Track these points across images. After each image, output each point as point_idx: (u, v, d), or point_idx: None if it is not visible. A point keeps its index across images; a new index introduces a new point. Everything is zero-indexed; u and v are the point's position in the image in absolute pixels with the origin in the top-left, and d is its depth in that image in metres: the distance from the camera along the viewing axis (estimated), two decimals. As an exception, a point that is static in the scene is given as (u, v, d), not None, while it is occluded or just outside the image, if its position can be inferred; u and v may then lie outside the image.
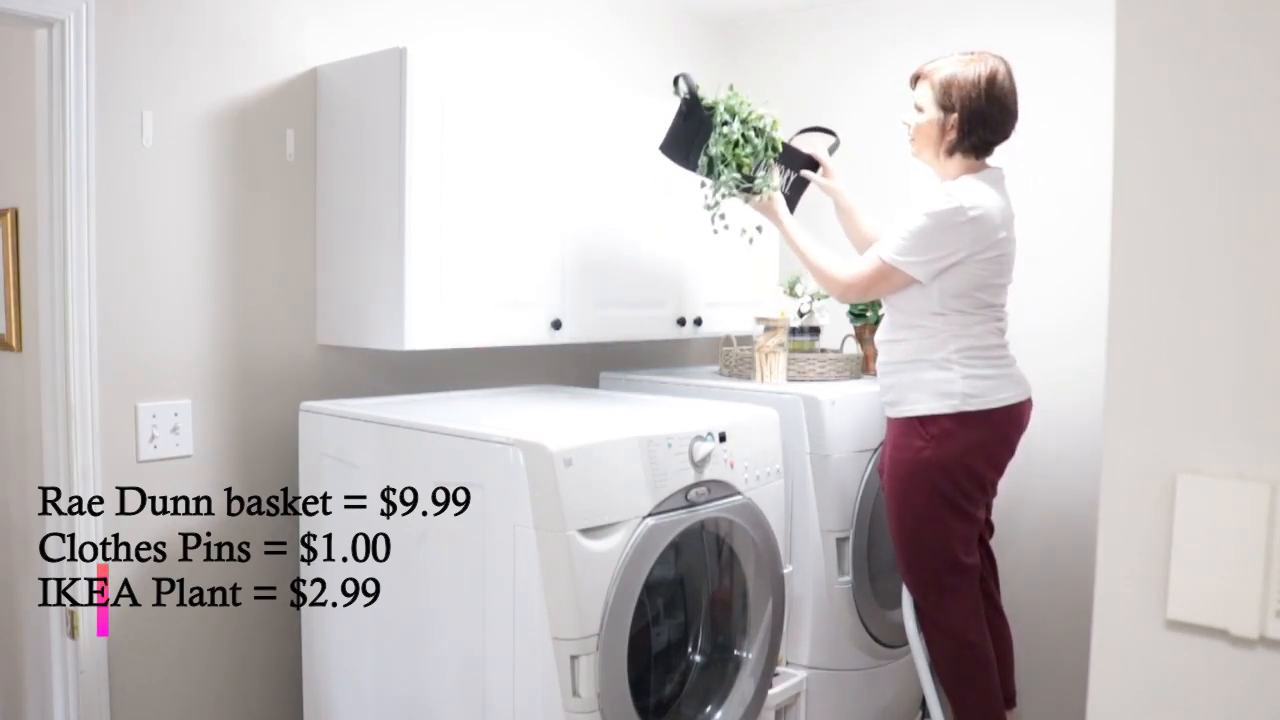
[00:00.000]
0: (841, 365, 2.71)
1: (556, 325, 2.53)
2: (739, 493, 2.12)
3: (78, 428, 2.10)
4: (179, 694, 2.29)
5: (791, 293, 2.89)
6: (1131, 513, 0.84)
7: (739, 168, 2.30)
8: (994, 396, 2.24)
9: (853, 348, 2.99)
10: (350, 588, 2.15)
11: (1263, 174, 0.78)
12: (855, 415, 2.52)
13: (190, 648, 2.31)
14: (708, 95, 2.29)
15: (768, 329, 2.69)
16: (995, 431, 2.26)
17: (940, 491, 2.24)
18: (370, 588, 2.10)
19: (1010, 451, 2.32)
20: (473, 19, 2.73)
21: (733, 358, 2.86)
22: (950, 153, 2.28)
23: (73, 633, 2.15)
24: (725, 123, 2.29)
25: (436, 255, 2.27)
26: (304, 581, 2.27)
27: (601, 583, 1.81)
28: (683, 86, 2.29)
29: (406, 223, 2.22)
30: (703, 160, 2.32)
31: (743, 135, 2.29)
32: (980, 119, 2.23)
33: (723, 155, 2.28)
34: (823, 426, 2.43)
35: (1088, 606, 0.88)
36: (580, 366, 3.01)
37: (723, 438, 2.09)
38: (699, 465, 2.01)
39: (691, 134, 2.31)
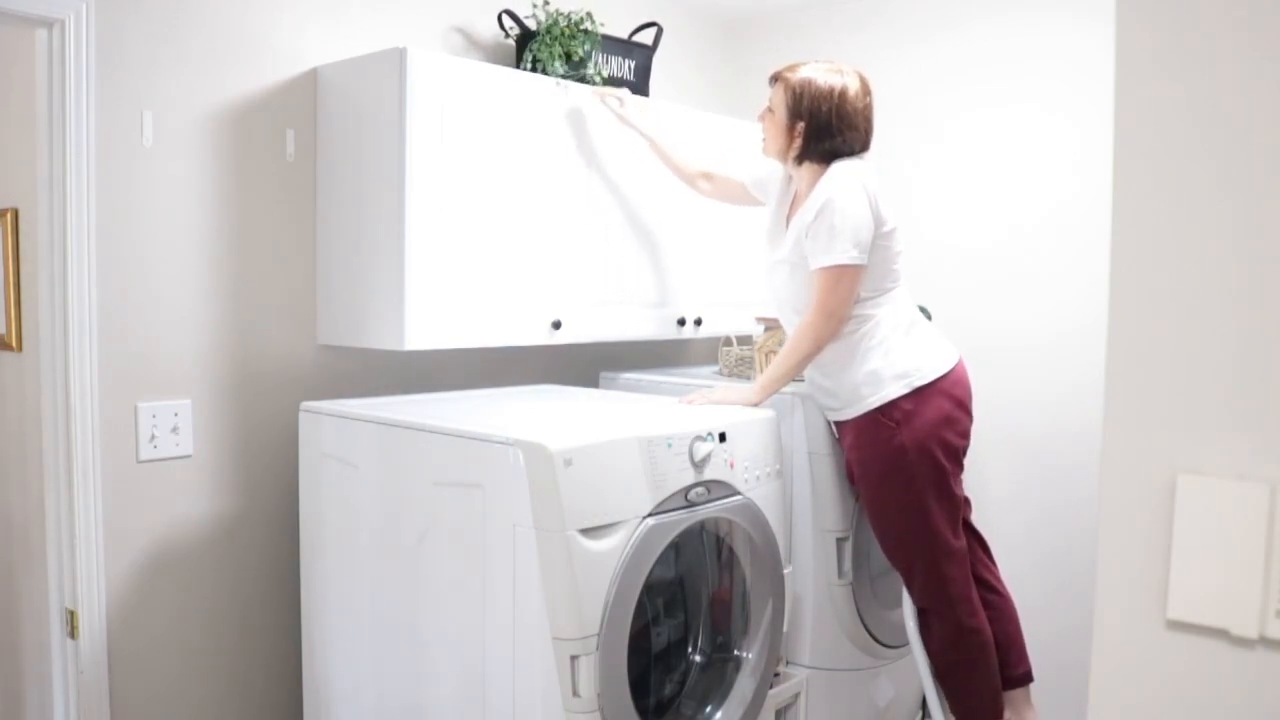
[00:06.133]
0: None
1: (556, 325, 2.53)
2: (739, 493, 2.12)
3: (78, 428, 2.10)
4: (179, 695, 2.29)
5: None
6: (1131, 513, 0.84)
7: (567, 57, 2.63)
8: (937, 363, 2.27)
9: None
10: (350, 588, 2.15)
11: (1263, 173, 0.78)
12: (855, 415, 2.51)
13: (190, 648, 2.31)
14: (530, 22, 2.69)
15: (768, 329, 2.68)
16: (949, 397, 2.27)
17: (920, 475, 2.24)
18: (370, 587, 2.10)
19: (969, 414, 2.33)
20: (472, 18, 2.73)
21: (733, 358, 2.86)
22: (799, 161, 2.31)
23: (73, 633, 2.15)
24: (547, 32, 2.63)
25: (436, 255, 2.27)
26: (304, 581, 2.27)
27: (601, 583, 1.81)
28: (508, 21, 2.69)
29: (406, 223, 2.22)
30: (528, 56, 2.63)
31: (563, 31, 2.63)
32: (826, 131, 2.25)
33: (542, 49, 2.61)
34: (822, 426, 2.43)
35: (1088, 607, 0.88)
36: (580, 366, 3.01)
37: (723, 438, 2.09)
38: (699, 465, 2.01)
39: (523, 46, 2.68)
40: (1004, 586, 2.50)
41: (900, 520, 2.29)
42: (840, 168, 2.25)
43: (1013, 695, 2.43)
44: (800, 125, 2.27)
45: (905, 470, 2.24)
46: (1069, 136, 2.83)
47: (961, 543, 2.33)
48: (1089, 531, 2.77)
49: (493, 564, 1.85)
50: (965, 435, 2.33)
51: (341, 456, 2.15)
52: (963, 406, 2.31)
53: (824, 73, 2.28)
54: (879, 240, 2.22)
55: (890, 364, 2.24)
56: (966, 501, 2.46)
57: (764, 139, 2.39)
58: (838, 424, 2.38)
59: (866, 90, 2.30)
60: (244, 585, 2.39)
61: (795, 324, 2.33)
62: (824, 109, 2.25)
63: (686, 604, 2.26)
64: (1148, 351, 0.83)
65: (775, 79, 2.34)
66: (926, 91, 3.09)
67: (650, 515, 1.91)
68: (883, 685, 2.64)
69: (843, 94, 2.25)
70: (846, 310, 2.23)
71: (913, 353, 2.26)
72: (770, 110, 2.35)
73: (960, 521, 2.35)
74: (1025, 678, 2.44)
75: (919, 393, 2.23)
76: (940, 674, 2.38)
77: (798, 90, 2.27)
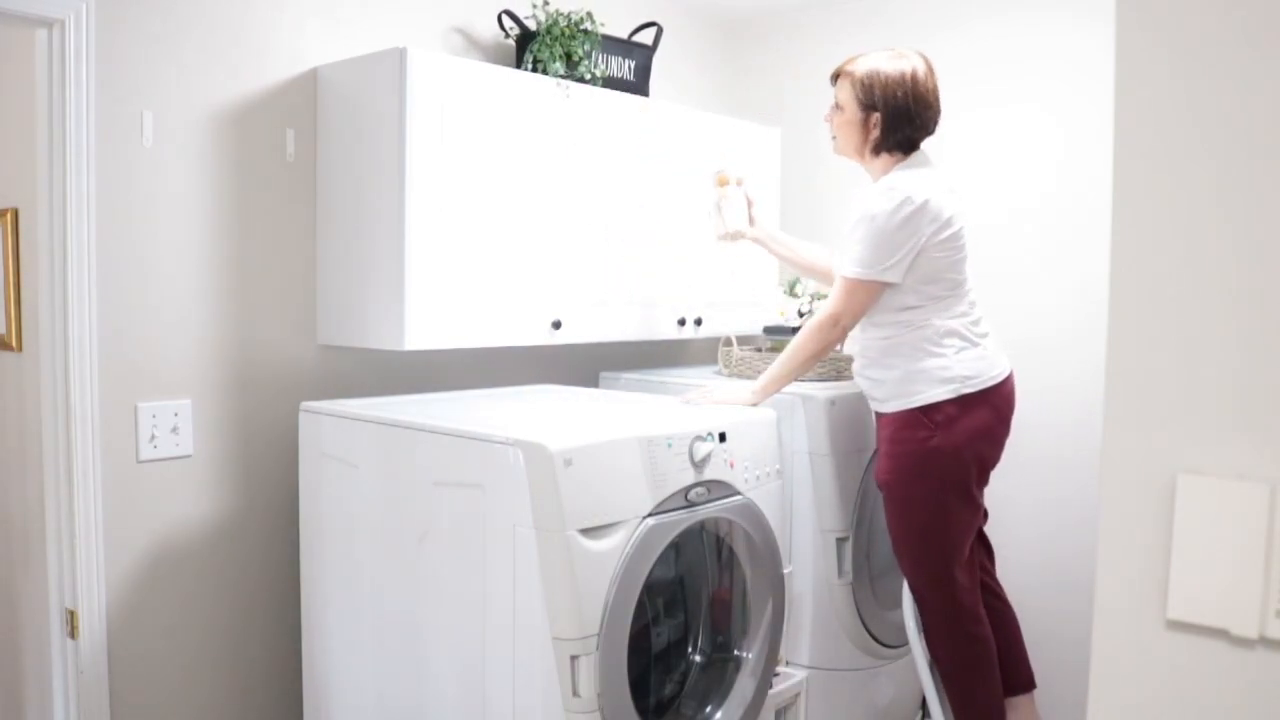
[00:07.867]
0: (841, 365, 2.71)
1: (556, 325, 2.53)
2: (739, 493, 2.12)
3: (78, 428, 2.09)
4: (179, 694, 2.29)
5: (792, 293, 2.89)
6: (1131, 513, 0.84)
7: (567, 57, 2.63)
8: (990, 374, 2.25)
9: (852, 347, 2.98)
10: (350, 588, 2.15)
11: (1263, 172, 0.78)
12: (854, 415, 2.51)
13: (190, 648, 2.31)
14: (530, 23, 2.69)
15: (720, 183, 2.64)
16: (994, 411, 2.26)
17: (949, 480, 2.23)
18: (370, 588, 2.10)
19: (1008, 429, 2.32)
20: (472, 18, 2.73)
21: (733, 358, 2.86)
22: (876, 152, 2.28)
23: (73, 633, 2.15)
24: (547, 32, 2.63)
25: (436, 255, 2.27)
26: (304, 581, 2.27)
27: (601, 583, 1.81)
28: (508, 21, 2.69)
29: (406, 223, 2.22)
30: (529, 58, 2.62)
31: (563, 31, 2.63)
32: (905, 117, 2.22)
33: (543, 49, 2.62)
34: (822, 426, 2.43)
35: (1088, 607, 0.88)
36: (580, 366, 3.01)
37: (723, 438, 2.09)
38: (699, 465, 2.01)
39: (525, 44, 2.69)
40: (1004, 594, 2.50)
41: (923, 520, 2.27)
42: (888, 181, 2.22)
43: (1016, 702, 2.42)
44: (875, 116, 2.23)
45: (934, 473, 2.23)
46: (1069, 136, 2.83)
47: (969, 552, 2.33)
48: (1089, 531, 2.77)
49: (493, 564, 1.85)
50: (999, 448, 2.33)
51: (341, 456, 2.15)
52: (1004, 421, 2.30)
53: (889, 60, 2.23)
54: (934, 249, 2.19)
55: (942, 365, 2.22)
56: (985, 513, 2.47)
57: (834, 138, 2.34)
58: (878, 414, 2.37)
59: (931, 69, 2.26)
60: (244, 585, 2.39)
61: (873, 335, 2.31)
62: (899, 94, 2.21)
63: (686, 604, 2.26)
64: (1148, 351, 0.83)
65: (838, 75, 2.30)
66: (926, 91, 3.09)
67: (650, 515, 1.91)
68: (883, 685, 2.64)
69: (913, 77, 2.21)
70: (855, 320, 2.26)
71: (968, 360, 2.23)
72: (838, 108, 2.30)
73: (976, 532, 2.35)
74: (1028, 684, 2.44)
75: (965, 400, 2.21)
76: (944, 678, 2.38)
77: (866, 81, 2.22)
